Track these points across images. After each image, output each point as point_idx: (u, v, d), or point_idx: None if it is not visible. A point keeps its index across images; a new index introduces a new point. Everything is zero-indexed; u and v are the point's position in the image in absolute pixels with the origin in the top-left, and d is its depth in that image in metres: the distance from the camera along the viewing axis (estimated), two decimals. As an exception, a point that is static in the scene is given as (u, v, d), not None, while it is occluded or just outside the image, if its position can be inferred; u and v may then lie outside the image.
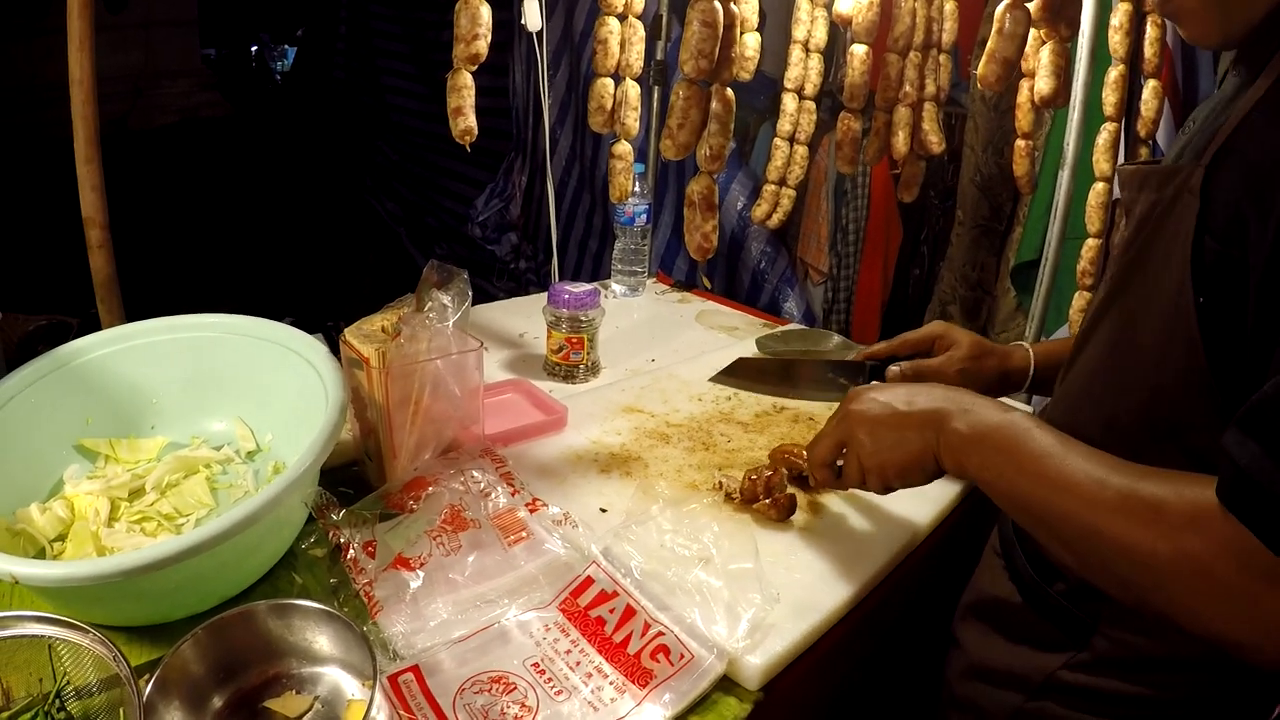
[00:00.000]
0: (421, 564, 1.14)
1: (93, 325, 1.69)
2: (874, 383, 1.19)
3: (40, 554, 1.14)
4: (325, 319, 1.59)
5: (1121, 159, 2.13)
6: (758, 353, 2.03)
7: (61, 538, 1.17)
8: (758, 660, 1.08)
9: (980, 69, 2.00)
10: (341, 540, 1.17)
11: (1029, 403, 1.94)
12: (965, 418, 1.04)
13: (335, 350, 1.35)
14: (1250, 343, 0.82)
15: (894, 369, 1.49)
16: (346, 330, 1.35)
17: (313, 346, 1.34)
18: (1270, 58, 0.86)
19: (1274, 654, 0.76)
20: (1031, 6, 1.91)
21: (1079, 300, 2.13)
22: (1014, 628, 1.16)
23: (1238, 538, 0.74)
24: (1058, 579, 1.08)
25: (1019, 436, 0.97)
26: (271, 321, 1.42)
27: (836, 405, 1.28)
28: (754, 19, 2.22)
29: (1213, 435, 0.83)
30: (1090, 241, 2.09)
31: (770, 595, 1.14)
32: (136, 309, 1.72)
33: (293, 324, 1.41)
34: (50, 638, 0.92)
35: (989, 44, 1.97)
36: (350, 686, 0.98)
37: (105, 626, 0.96)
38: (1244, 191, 0.82)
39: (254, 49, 9.48)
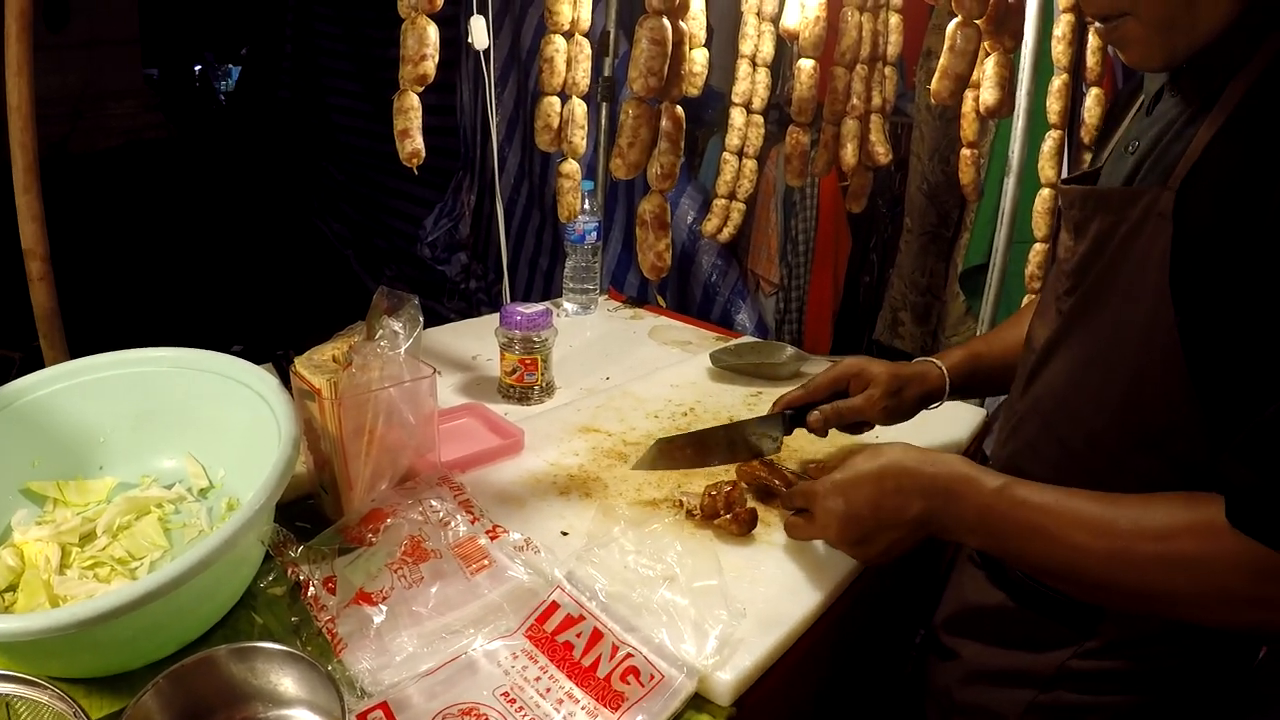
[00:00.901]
0: (384, 598, 1.12)
1: (35, 359, 1.65)
2: (832, 488, 1.20)
3: (-10, 605, 1.11)
4: (274, 345, 1.56)
5: (1065, 165, 2.17)
6: (712, 366, 2.04)
7: (12, 588, 1.13)
8: (728, 676, 1.07)
9: (934, 85, 2.02)
10: (301, 577, 1.15)
11: (982, 404, 1.96)
12: (948, 515, 1.09)
13: (286, 380, 1.33)
14: (1231, 359, 0.89)
15: (815, 415, 1.50)
16: (297, 361, 1.33)
17: (263, 379, 1.32)
18: (1219, 85, 0.92)
19: None
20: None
21: (1027, 303, 2.15)
22: (1012, 632, 1.20)
23: (1247, 550, 0.84)
24: None
25: (1011, 511, 1.03)
26: (221, 354, 1.38)
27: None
28: (702, 35, 2.23)
29: (1194, 444, 0.95)
30: (1037, 246, 2.12)
31: (736, 610, 1.14)
32: (80, 341, 1.69)
33: (241, 353, 1.38)
34: (8, 695, 0.89)
35: (941, 60, 1.99)
36: (318, 727, 0.96)
37: (62, 679, 0.94)
38: (1218, 216, 0.88)
39: (198, 69, 9.39)
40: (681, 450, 1.51)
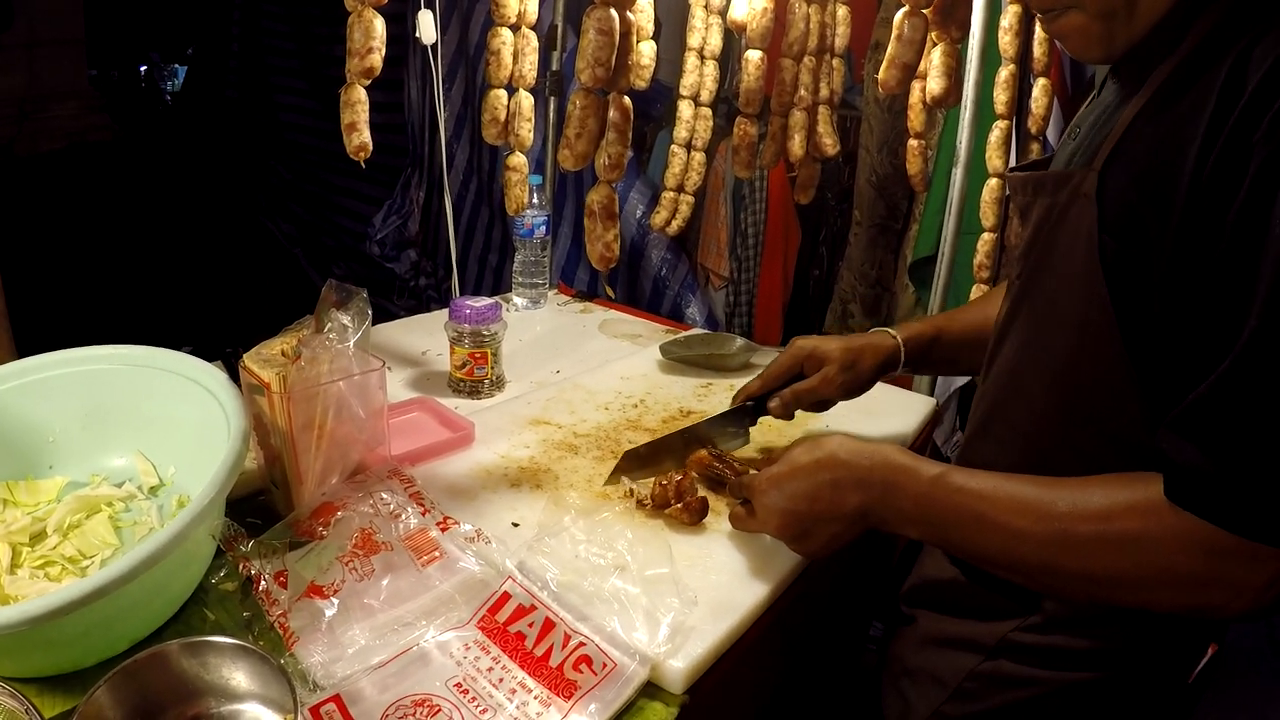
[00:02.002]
0: (335, 591, 1.12)
1: (-19, 361, 1.63)
2: (768, 482, 1.21)
3: (-60, 607, 1.09)
4: (223, 345, 1.55)
5: (1013, 155, 2.20)
6: (662, 358, 2.05)
7: (-39, 589, 1.12)
8: (680, 664, 1.08)
9: (881, 74, 2.04)
10: (252, 572, 1.14)
11: (932, 393, 1.98)
12: (886, 507, 1.10)
13: (235, 377, 1.32)
14: (1163, 333, 0.90)
15: (774, 402, 1.52)
16: (246, 355, 1.32)
17: (212, 375, 1.31)
18: (1150, 73, 0.94)
19: (1238, 610, 0.86)
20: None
21: (976, 293, 2.18)
22: (963, 603, 1.22)
23: (1190, 528, 0.84)
24: None
25: (948, 499, 1.03)
26: (169, 351, 1.37)
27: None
28: (649, 27, 2.24)
29: (1132, 420, 0.95)
30: (985, 236, 2.15)
31: (688, 598, 1.14)
32: (28, 341, 1.67)
33: (191, 352, 1.37)
34: (-42, 695, 0.88)
35: (889, 50, 2.01)
36: (269, 721, 0.96)
37: (14, 679, 0.93)
38: (1136, 193, 0.90)
39: (143, 69, 9.22)
40: (649, 458, 1.51)
